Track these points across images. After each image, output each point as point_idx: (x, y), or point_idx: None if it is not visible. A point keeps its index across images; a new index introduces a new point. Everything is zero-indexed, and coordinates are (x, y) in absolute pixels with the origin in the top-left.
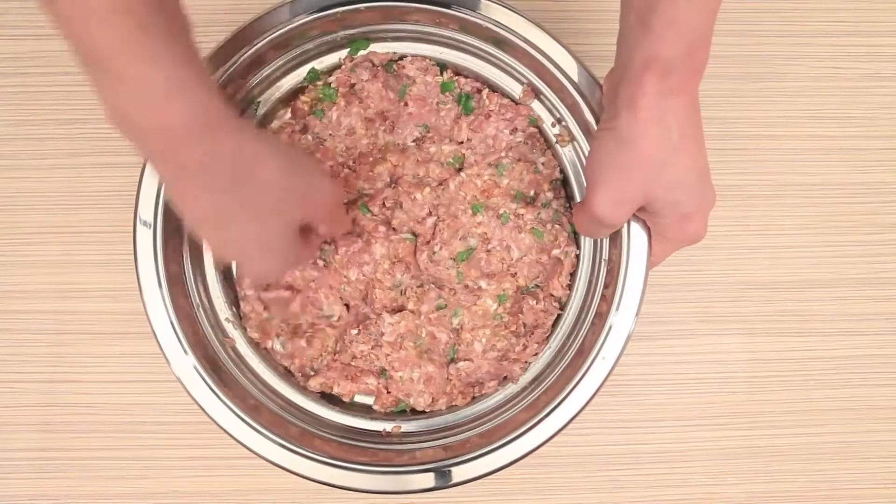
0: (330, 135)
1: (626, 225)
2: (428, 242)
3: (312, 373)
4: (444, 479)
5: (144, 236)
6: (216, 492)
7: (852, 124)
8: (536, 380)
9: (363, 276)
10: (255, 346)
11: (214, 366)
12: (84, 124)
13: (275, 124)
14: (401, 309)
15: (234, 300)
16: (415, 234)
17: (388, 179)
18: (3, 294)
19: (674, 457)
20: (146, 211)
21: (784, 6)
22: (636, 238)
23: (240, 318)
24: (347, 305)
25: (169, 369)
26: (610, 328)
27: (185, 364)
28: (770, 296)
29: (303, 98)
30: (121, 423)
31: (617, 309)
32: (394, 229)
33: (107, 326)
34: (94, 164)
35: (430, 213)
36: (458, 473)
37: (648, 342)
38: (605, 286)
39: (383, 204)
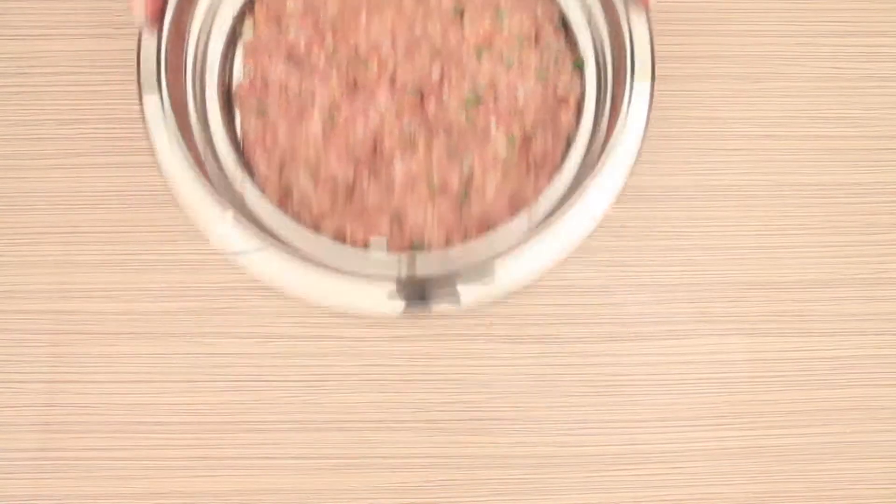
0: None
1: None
2: (435, 92)
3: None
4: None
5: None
6: (216, 492)
7: (852, 124)
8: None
9: (369, 128)
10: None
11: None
12: (84, 124)
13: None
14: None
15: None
16: (420, 91)
17: (386, 39)
18: (3, 294)
19: (675, 457)
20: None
21: (784, 6)
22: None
23: (250, 175)
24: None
25: (169, 369)
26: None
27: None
28: (770, 296)
29: None
30: (121, 423)
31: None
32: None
33: (107, 326)
34: (94, 164)
35: (432, 64)
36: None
37: (648, 342)
38: (610, 117)
39: (381, 62)
